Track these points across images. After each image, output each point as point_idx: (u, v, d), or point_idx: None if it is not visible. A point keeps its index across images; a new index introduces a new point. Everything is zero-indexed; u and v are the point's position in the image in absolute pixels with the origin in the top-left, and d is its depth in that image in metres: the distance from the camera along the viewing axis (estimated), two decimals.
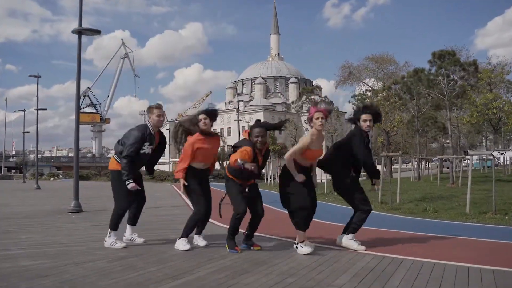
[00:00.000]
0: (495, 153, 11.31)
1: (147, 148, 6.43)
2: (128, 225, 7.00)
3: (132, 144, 6.30)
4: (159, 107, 6.52)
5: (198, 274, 4.96)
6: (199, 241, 6.66)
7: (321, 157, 6.26)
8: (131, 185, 6.31)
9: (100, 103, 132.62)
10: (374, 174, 6.25)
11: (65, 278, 4.79)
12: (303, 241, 6.00)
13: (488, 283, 4.53)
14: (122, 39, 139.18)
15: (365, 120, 6.15)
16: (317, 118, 5.85)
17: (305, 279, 4.69)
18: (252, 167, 5.71)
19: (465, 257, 5.79)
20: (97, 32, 13.55)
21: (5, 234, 8.14)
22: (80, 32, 13.32)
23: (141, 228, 7.56)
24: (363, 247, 6.20)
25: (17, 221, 10.31)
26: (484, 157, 42.20)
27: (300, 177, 5.83)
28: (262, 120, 6.29)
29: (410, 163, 51.53)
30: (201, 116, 6.20)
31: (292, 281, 4.59)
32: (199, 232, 6.68)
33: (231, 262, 5.54)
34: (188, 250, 6.24)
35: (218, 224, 8.52)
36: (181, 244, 6.34)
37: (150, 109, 6.55)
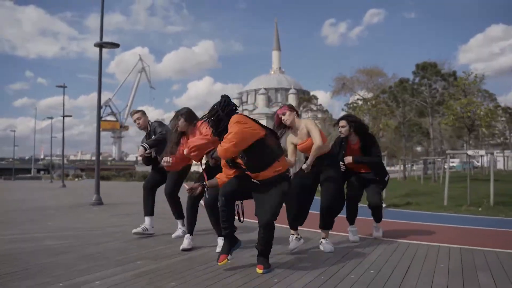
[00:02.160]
0: (470, 152, 11.36)
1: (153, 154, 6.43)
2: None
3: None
4: (133, 113, 6.63)
5: (202, 251, 5.09)
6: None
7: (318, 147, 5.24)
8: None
9: (120, 112, 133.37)
10: None
11: (84, 254, 4.92)
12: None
13: (455, 259, 4.65)
14: (139, 55, 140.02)
15: (339, 127, 6.01)
16: (281, 117, 5.23)
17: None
18: None
19: (438, 239, 5.92)
20: (115, 45, 13.73)
21: (33, 222, 8.28)
22: (101, 45, 13.50)
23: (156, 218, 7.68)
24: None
25: (44, 211, 10.46)
26: (465, 159, 42.20)
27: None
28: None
29: (397, 166, 51.39)
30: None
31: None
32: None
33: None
34: None
35: None
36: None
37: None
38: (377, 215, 6.08)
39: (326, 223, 5.31)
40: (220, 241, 5.01)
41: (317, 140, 5.04)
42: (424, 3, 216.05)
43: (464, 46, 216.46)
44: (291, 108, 5.26)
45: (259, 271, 4.06)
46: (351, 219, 6.05)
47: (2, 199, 16.15)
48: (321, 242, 5.34)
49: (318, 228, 5.39)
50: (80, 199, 15.62)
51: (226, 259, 4.15)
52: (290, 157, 5.21)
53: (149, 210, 6.44)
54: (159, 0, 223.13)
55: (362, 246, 5.45)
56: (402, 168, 33.39)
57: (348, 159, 5.81)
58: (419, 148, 57.31)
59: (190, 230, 5.33)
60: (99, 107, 13.74)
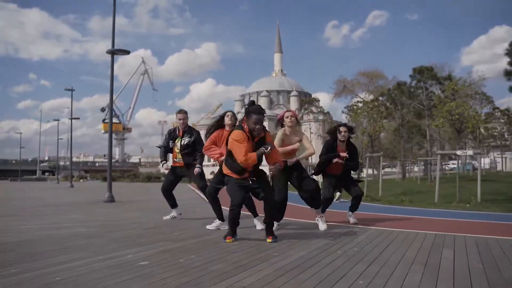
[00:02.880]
0: (458, 152, 12.15)
1: (171, 143, 7.70)
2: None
3: (164, 138, 7.86)
4: (180, 111, 7.70)
5: (213, 235, 5.92)
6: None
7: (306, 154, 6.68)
8: (164, 166, 7.77)
9: (122, 114, 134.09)
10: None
11: (112, 237, 5.73)
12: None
13: (429, 240, 5.46)
14: (142, 57, 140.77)
15: (340, 132, 7.04)
16: (287, 117, 6.48)
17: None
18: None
19: (420, 227, 6.76)
20: (126, 52, 14.57)
21: (53, 215, 9.07)
22: (113, 52, 14.36)
23: (166, 213, 8.58)
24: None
25: (61, 208, 11.27)
26: (461, 160, 42.83)
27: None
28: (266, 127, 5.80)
29: (397, 167, 51.95)
30: (229, 113, 6.79)
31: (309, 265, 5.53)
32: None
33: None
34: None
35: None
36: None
37: (176, 114, 7.76)
38: (357, 205, 7.31)
39: (315, 204, 6.56)
40: (257, 222, 6.53)
41: (311, 149, 6.51)
42: (427, 5, 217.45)
43: (467, 48, 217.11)
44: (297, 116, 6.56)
45: (269, 240, 5.30)
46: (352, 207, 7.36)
47: (18, 198, 17.03)
48: (317, 220, 6.62)
49: (311, 208, 6.65)
50: (92, 197, 16.49)
51: (232, 239, 5.40)
52: (278, 142, 6.39)
53: (173, 203, 8.04)
54: (162, 3, 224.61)
55: (352, 232, 6.26)
56: (400, 169, 34.05)
57: (344, 154, 6.97)
58: (420, 151, 57.91)
59: (221, 217, 6.55)
60: (111, 111, 14.61)
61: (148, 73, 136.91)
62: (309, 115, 60.98)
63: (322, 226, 6.48)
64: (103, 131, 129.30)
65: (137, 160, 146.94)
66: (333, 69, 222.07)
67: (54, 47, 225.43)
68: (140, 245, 5.16)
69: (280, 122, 6.59)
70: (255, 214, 6.66)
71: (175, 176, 7.82)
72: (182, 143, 7.57)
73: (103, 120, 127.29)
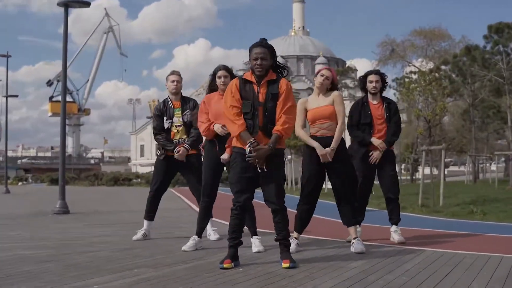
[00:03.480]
0: None
1: (165, 123, 7.91)
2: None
3: (152, 121, 8.20)
4: (173, 73, 8.02)
5: (208, 259, 6.14)
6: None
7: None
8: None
9: (77, 90, 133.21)
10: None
11: (71, 262, 5.95)
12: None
13: (504, 267, 5.58)
14: (105, 8, 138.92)
15: (371, 81, 7.49)
16: (322, 76, 6.85)
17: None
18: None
19: (494, 249, 6.90)
20: (86, 4, 14.55)
21: None
22: (66, 4, 14.30)
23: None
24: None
25: None
26: None
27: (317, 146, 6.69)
28: None
29: (466, 164, 51.64)
30: (220, 73, 7.06)
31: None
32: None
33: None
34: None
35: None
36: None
37: (167, 77, 8.06)
38: (397, 211, 7.59)
39: (351, 218, 6.82)
40: (255, 241, 6.78)
41: (341, 118, 6.76)
42: None
43: None
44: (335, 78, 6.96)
45: (285, 265, 5.47)
46: (393, 218, 7.57)
47: None
48: (352, 243, 6.73)
49: (344, 224, 6.90)
50: (37, 206, 16.83)
51: (231, 263, 5.49)
52: (299, 127, 6.82)
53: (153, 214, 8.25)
54: None
55: (399, 254, 6.43)
56: (470, 167, 33.79)
57: (377, 141, 7.34)
58: (499, 141, 57.29)
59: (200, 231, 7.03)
60: (65, 85, 14.72)
61: (113, 31, 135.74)
62: (344, 91, 60.62)
63: (358, 246, 6.63)
64: (50, 114, 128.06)
65: (98, 155, 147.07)
66: (376, 27, 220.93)
67: None
68: (110, 272, 5.36)
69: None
70: (254, 233, 6.95)
71: (170, 171, 8.12)
72: (184, 118, 7.86)
73: (51, 98, 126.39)
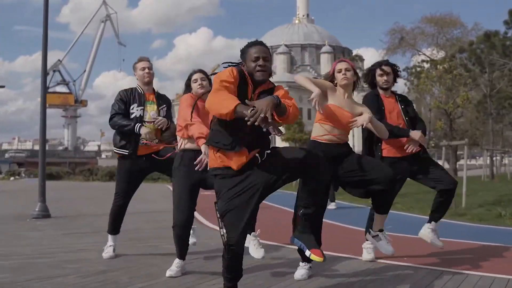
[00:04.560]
0: None
1: (136, 110, 6.69)
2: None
3: (112, 105, 6.80)
4: (142, 59, 6.92)
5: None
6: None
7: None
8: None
9: (74, 81, 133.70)
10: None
11: None
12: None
13: None
14: None
15: (382, 74, 6.36)
16: (339, 71, 5.72)
17: None
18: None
19: None
20: None
21: None
22: None
23: (127, 238, 7.89)
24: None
25: None
26: None
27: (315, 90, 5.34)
28: None
29: (480, 158, 51.08)
30: (197, 76, 6.05)
31: None
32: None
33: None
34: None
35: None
36: None
37: (134, 65, 6.95)
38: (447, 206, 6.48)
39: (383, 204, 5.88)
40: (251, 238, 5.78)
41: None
42: None
43: None
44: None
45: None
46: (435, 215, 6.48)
47: None
48: (377, 235, 5.91)
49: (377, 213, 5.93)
50: (19, 208, 15.77)
51: None
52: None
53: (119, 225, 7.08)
54: None
55: (439, 282, 5.39)
56: (488, 161, 33.19)
57: (417, 134, 6.20)
58: None
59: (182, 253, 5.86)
60: (44, 73, 13.81)
61: (111, 20, 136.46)
62: None
63: (386, 248, 5.83)
64: (47, 105, 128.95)
65: (95, 148, 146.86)
66: (385, 14, 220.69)
67: None
68: None
69: (330, 79, 5.83)
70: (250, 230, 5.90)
71: (138, 173, 6.83)
72: (160, 113, 6.77)
73: (48, 89, 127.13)
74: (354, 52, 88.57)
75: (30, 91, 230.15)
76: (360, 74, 5.95)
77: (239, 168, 4.26)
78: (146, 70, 6.79)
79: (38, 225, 11.17)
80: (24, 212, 13.68)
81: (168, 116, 6.81)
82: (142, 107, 6.70)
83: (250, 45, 4.56)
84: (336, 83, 5.75)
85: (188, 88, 5.99)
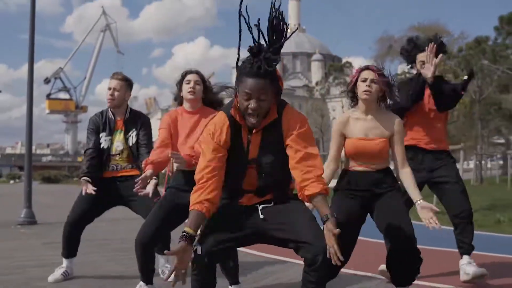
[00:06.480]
0: None
1: (104, 141, 5.73)
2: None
3: (87, 135, 5.93)
4: (112, 76, 5.84)
5: None
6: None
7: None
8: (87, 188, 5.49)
9: (75, 87, 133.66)
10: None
11: None
12: None
13: None
14: (102, 7, 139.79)
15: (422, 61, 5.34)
16: (364, 80, 4.41)
17: None
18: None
19: None
20: None
21: None
22: None
23: (109, 249, 7.29)
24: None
25: None
26: None
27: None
28: None
29: (465, 163, 50.53)
30: (191, 77, 4.99)
31: None
32: None
33: None
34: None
35: None
36: None
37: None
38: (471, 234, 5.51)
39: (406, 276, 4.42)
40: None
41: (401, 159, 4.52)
42: None
43: None
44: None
45: None
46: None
47: None
48: None
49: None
50: (5, 214, 14.85)
51: None
52: (332, 161, 4.52)
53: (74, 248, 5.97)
54: None
55: None
56: (476, 166, 32.59)
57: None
58: (496, 139, 56.64)
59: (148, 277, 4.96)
60: (31, 76, 13.30)
61: (111, 29, 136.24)
62: (340, 88, 59.83)
63: None
64: (48, 111, 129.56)
65: None
66: (374, 24, 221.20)
67: None
68: None
69: (351, 89, 4.56)
70: (234, 281, 4.89)
71: (99, 199, 5.68)
72: (128, 142, 5.72)
73: (48, 96, 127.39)
74: (344, 60, 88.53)
75: (34, 97, 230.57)
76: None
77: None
78: (110, 92, 5.73)
79: (20, 234, 10.38)
80: (10, 219, 12.80)
81: (144, 137, 5.75)
82: (110, 137, 5.74)
83: (245, 71, 3.37)
84: (357, 96, 4.51)
85: (179, 87, 5.00)
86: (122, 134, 5.74)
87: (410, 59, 5.60)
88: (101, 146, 5.70)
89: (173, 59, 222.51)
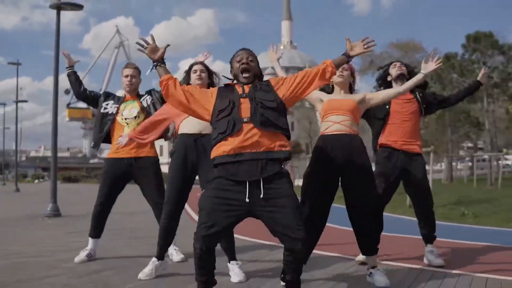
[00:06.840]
0: None
1: (110, 107, 5.88)
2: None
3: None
4: (127, 65, 6.03)
5: None
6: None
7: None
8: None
9: None
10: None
11: None
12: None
13: None
14: (116, 26, 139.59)
15: (394, 66, 5.59)
16: (342, 69, 4.90)
17: None
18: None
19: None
20: (78, 7, 13.20)
21: None
22: (58, 7, 13.08)
23: (126, 237, 7.35)
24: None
25: None
26: None
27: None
28: None
29: (439, 164, 50.63)
30: (197, 67, 5.27)
31: None
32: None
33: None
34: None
35: None
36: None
37: (122, 70, 6.09)
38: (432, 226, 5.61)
39: (370, 246, 4.76)
40: (233, 267, 4.83)
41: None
42: None
43: None
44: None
45: None
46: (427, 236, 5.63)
47: None
48: (370, 273, 4.69)
49: (361, 253, 4.99)
50: (33, 208, 15.06)
51: None
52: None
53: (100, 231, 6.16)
54: None
55: (413, 277, 4.68)
56: (447, 167, 32.78)
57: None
58: (465, 144, 56.60)
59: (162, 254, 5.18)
60: (56, 87, 13.12)
61: (124, 46, 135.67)
62: None
63: (381, 279, 4.57)
64: (67, 119, 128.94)
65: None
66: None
67: (10, 15, 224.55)
68: None
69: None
70: (231, 257, 4.99)
71: (117, 179, 5.90)
72: (143, 103, 5.87)
73: (68, 105, 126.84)
74: None
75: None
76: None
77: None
78: (128, 78, 5.89)
79: (47, 224, 10.47)
80: (38, 212, 13.00)
81: (154, 103, 5.87)
82: (117, 106, 5.85)
83: (235, 53, 4.17)
84: (333, 85, 5.01)
85: (187, 76, 5.21)
86: (135, 102, 5.86)
87: (386, 83, 5.70)
88: (106, 110, 5.85)
89: (179, 73, 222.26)
